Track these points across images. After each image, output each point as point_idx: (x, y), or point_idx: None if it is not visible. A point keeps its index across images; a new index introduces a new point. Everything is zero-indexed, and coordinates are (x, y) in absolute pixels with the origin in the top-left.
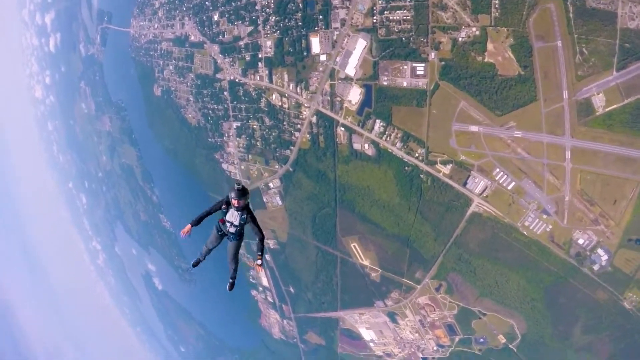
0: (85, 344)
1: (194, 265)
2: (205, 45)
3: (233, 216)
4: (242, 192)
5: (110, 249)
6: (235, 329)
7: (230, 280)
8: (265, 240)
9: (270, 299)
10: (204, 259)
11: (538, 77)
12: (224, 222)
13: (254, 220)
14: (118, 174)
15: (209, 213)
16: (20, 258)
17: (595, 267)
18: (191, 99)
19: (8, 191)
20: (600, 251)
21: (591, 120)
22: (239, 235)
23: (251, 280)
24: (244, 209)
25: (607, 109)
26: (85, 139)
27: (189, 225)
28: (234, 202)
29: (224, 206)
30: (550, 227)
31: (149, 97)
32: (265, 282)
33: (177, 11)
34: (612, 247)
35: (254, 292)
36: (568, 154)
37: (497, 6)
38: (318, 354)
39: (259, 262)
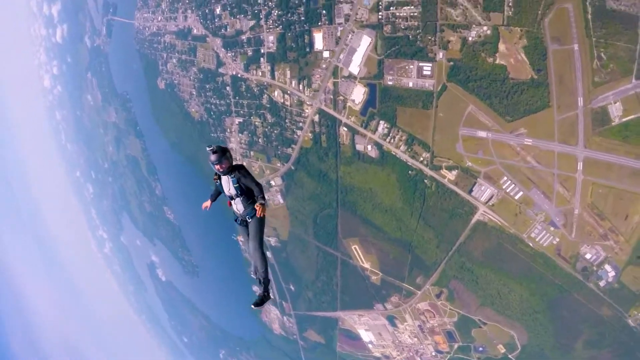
0: (94, 328)
1: (264, 300)
2: (207, 38)
3: (227, 186)
4: (219, 153)
5: (116, 239)
6: (237, 322)
7: (261, 296)
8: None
9: (271, 296)
10: (267, 282)
11: (552, 82)
12: (230, 204)
13: (246, 175)
14: (124, 165)
15: (218, 192)
16: (31, 241)
17: (602, 283)
18: (194, 92)
19: (21, 176)
20: (607, 267)
21: (606, 130)
22: (254, 213)
23: (252, 275)
24: (232, 171)
25: (624, 119)
26: (92, 130)
27: (209, 200)
28: (216, 167)
29: (215, 180)
30: (558, 239)
31: (154, 90)
32: None
33: (180, 3)
34: (621, 263)
35: (255, 288)
36: (580, 165)
37: (510, 4)
38: (317, 351)
39: (262, 201)
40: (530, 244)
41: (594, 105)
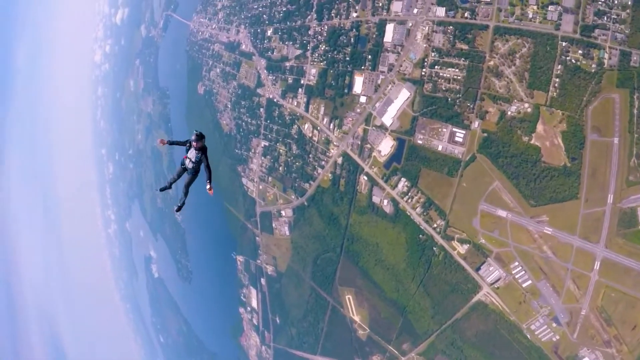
0: (75, 302)
1: (161, 190)
2: (253, 57)
3: (192, 154)
4: (199, 137)
5: (122, 223)
6: (216, 338)
7: (178, 204)
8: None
9: (255, 322)
10: (170, 186)
11: (585, 174)
12: (186, 157)
13: (206, 159)
14: (147, 156)
15: (178, 142)
16: (39, 201)
17: None
18: (229, 105)
19: (49, 135)
20: None
21: (632, 233)
22: (195, 172)
23: (242, 298)
24: (201, 150)
25: None
26: (127, 114)
27: (166, 141)
28: (194, 143)
29: (187, 144)
30: (558, 337)
31: (192, 93)
32: (254, 303)
33: (236, 17)
34: None
35: (241, 310)
36: (597, 265)
37: (556, 85)
38: None
39: (208, 186)
40: (528, 336)
41: (623, 205)
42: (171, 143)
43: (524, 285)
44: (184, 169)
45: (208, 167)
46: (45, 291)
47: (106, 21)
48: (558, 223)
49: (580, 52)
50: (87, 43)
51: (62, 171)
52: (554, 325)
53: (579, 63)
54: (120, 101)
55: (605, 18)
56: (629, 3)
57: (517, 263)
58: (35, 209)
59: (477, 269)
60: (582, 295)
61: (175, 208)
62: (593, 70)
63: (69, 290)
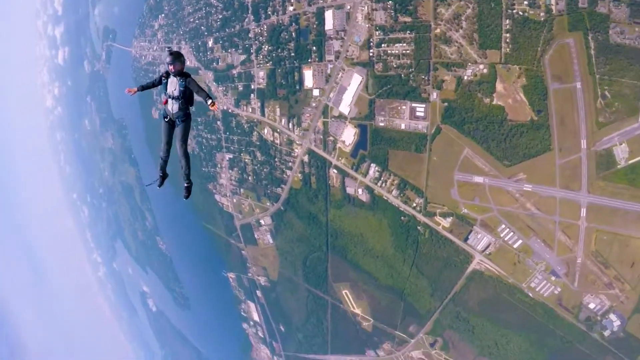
0: (81, 354)
1: (161, 169)
2: (200, 71)
3: (173, 86)
4: (175, 55)
5: (109, 264)
6: (228, 358)
7: (185, 185)
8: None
9: (260, 334)
10: (165, 172)
11: (553, 124)
12: (166, 102)
13: (194, 82)
14: (119, 192)
15: (153, 84)
16: (23, 261)
17: (606, 333)
18: None
19: (17, 192)
20: (612, 316)
21: (611, 173)
22: (185, 115)
23: (243, 314)
24: (182, 75)
25: (630, 162)
26: (90, 154)
27: (135, 88)
28: (170, 67)
29: (163, 78)
30: (559, 289)
31: (148, 118)
32: (256, 317)
33: (175, 34)
34: (626, 312)
35: (245, 325)
36: (583, 212)
37: (508, 40)
38: None
39: (210, 101)
40: (530, 294)
41: (598, 147)
42: (143, 88)
43: (515, 246)
44: (171, 123)
45: (201, 88)
46: (47, 348)
47: (49, 64)
48: (536, 178)
49: (525, 2)
50: (35, 90)
51: (38, 225)
52: (553, 278)
53: (526, 14)
54: (80, 142)
55: None
56: None
57: (503, 226)
58: (20, 268)
59: (465, 239)
60: (574, 244)
61: (185, 184)
62: (542, 19)
63: (72, 343)
